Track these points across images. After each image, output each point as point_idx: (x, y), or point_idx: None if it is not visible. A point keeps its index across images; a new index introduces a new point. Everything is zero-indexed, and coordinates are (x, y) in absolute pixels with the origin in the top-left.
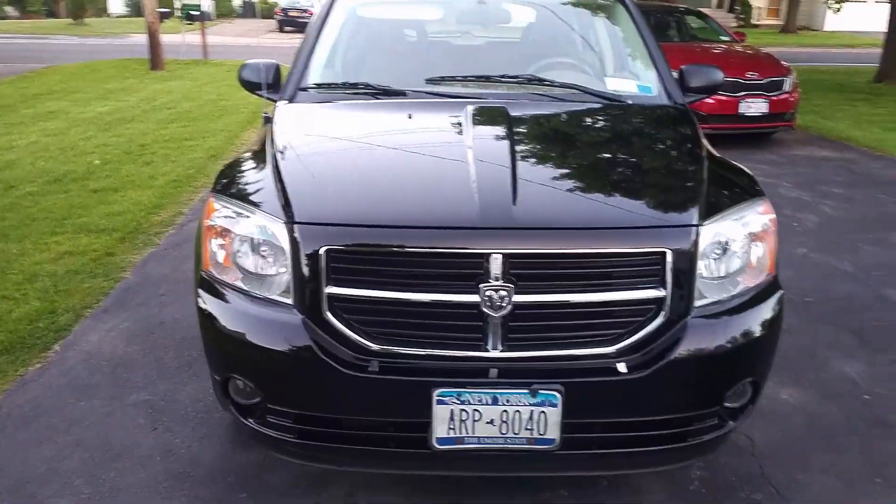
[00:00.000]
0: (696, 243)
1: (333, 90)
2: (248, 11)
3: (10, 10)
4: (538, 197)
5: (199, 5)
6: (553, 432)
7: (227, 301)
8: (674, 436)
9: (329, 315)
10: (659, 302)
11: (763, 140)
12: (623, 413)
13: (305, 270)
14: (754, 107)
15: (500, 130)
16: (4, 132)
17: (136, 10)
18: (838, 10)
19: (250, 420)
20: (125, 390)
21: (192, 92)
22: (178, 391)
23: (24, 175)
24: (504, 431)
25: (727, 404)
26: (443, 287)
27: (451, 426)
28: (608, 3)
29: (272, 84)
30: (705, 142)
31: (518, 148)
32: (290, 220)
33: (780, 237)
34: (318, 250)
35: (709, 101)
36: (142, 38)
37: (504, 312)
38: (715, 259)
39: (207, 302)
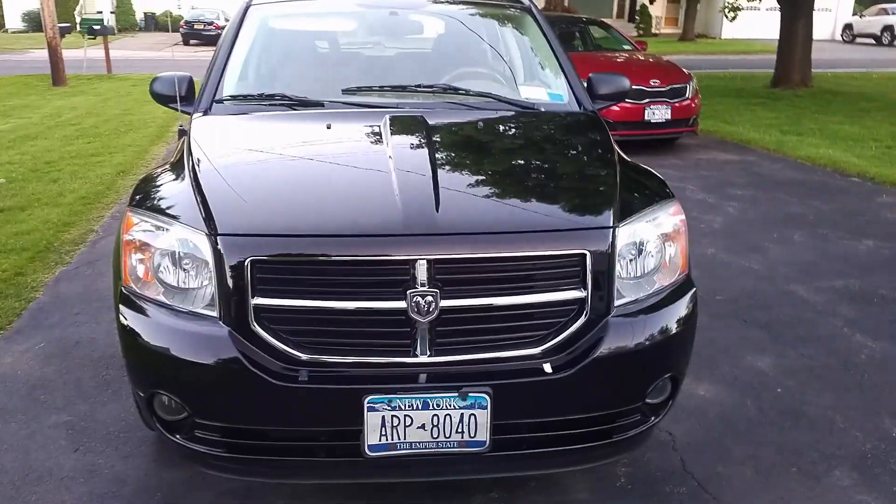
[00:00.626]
0: (612, 245)
1: (249, 102)
2: (150, 25)
3: None
4: (460, 203)
5: (101, 20)
6: (483, 434)
7: (149, 316)
8: (600, 433)
9: (256, 326)
10: (580, 302)
11: (668, 145)
12: (550, 412)
13: (230, 282)
14: (658, 113)
15: (418, 139)
16: None
17: (34, 25)
18: (733, 18)
19: (177, 436)
20: (44, 412)
21: (96, 107)
22: (99, 411)
23: None
24: (435, 435)
25: (649, 400)
26: (370, 294)
27: (383, 432)
28: (516, 13)
29: (185, 96)
30: (616, 147)
31: (437, 156)
32: (212, 232)
33: (690, 238)
34: (243, 261)
35: (615, 108)
36: (42, 54)
37: (431, 317)
38: (631, 259)
39: (128, 318)
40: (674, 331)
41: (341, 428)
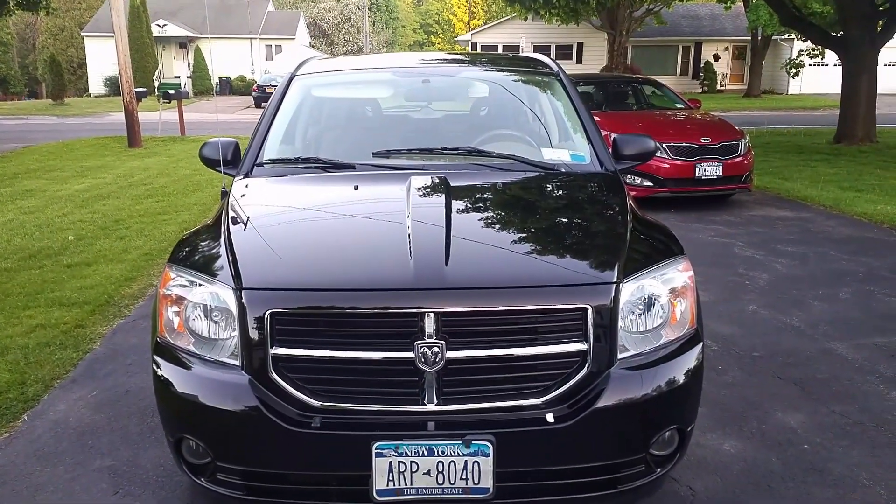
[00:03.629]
0: (615, 299)
1: (287, 165)
2: (225, 89)
3: None
4: (469, 258)
5: (178, 84)
6: (486, 481)
7: (179, 365)
8: (605, 482)
9: (274, 374)
10: (583, 355)
11: (721, 202)
12: (553, 461)
13: (252, 333)
14: (710, 170)
15: (438, 198)
16: None
17: (114, 89)
18: (795, 74)
19: (202, 479)
20: (90, 456)
21: (167, 168)
22: (141, 456)
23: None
24: (441, 481)
25: (654, 451)
26: (380, 345)
27: (391, 478)
28: (545, 79)
29: (231, 160)
30: (631, 204)
31: (454, 214)
32: (238, 287)
33: (732, 295)
34: (263, 314)
35: (665, 165)
36: (120, 117)
37: (438, 367)
38: (636, 314)
39: (161, 367)
40: (678, 384)
41: (351, 473)
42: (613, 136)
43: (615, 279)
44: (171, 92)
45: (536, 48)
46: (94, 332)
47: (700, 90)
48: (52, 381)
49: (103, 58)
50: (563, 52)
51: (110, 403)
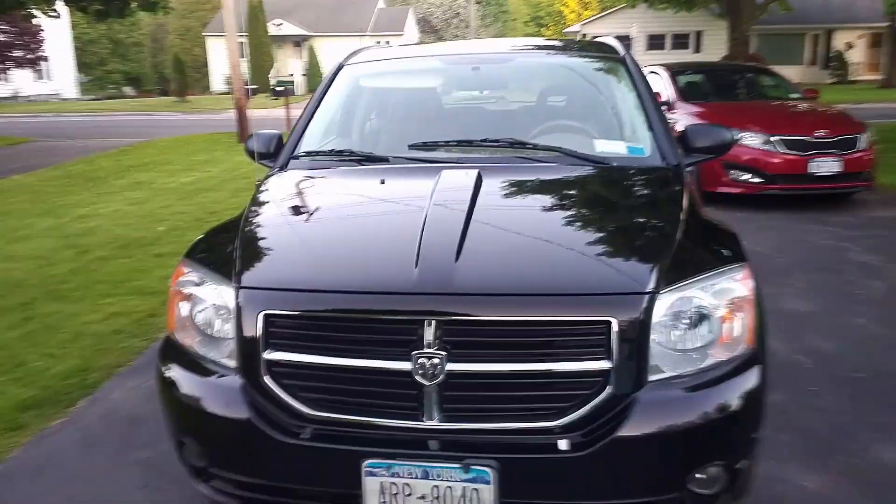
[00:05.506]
0: (648, 312)
1: (321, 158)
2: None
3: (128, 89)
4: (481, 262)
5: (291, 82)
6: None
7: (181, 364)
8: None
9: (267, 380)
10: (604, 374)
11: (840, 201)
12: (566, 495)
13: (247, 334)
14: (825, 166)
15: (464, 195)
16: (93, 201)
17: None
18: None
19: (202, 483)
20: (131, 448)
21: None
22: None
23: (99, 241)
24: None
25: (698, 490)
26: (377, 353)
27: (383, 500)
28: (609, 65)
29: (274, 153)
30: (688, 204)
31: (477, 212)
32: (237, 286)
33: (838, 306)
34: (256, 315)
35: (774, 160)
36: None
37: (437, 381)
38: (675, 330)
39: (165, 365)
40: (725, 413)
41: (340, 490)
42: (685, 126)
43: (649, 289)
44: (280, 89)
45: (651, 37)
46: (165, 321)
47: (831, 81)
48: (114, 368)
49: (223, 57)
50: (680, 41)
51: None
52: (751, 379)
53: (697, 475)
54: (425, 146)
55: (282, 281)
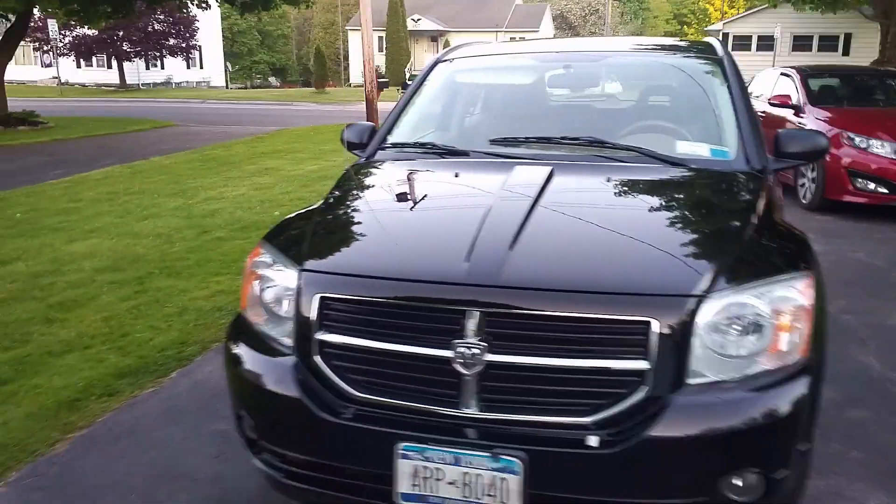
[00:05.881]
0: (691, 315)
1: (406, 149)
2: None
3: (272, 79)
4: (532, 257)
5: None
6: (515, 501)
7: (246, 340)
8: None
9: (317, 359)
10: (641, 375)
11: None
12: (595, 492)
13: (303, 315)
14: None
15: (530, 191)
16: (223, 184)
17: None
18: None
19: (255, 456)
20: (210, 419)
21: None
22: None
23: (220, 222)
24: (466, 494)
25: (730, 495)
26: (420, 340)
27: (415, 483)
28: (706, 66)
29: (364, 144)
30: (764, 209)
31: (540, 209)
32: (299, 268)
33: None
34: (313, 296)
35: None
36: None
37: (476, 370)
38: (723, 334)
39: (232, 340)
40: (762, 421)
41: (376, 470)
42: (778, 131)
43: (696, 292)
44: (410, 83)
45: (796, 38)
46: None
47: None
48: (210, 343)
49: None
50: (828, 43)
51: None
52: (797, 389)
53: (733, 481)
54: (505, 142)
55: (339, 266)
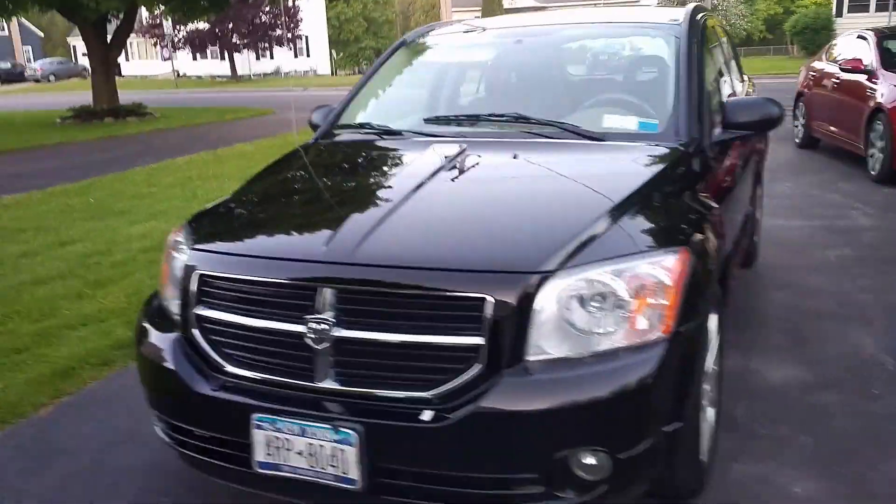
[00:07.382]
0: (531, 292)
1: (347, 131)
2: None
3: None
4: (390, 236)
5: None
6: (353, 472)
7: (149, 316)
8: (494, 498)
9: (196, 332)
10: (476, 350)
11: None
12: (431, 464)
13: (188, 291)
14: None
15: (427, 170)
16: None
17: None
18: None
19: (154, 425)
20: None
21: None
22: None
23: None
24: (312, 465)
25: (580, 473)
26: (279, 316)
27: (269, 452)
28: (658, 37)
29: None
30: (672, 182)
31: (428, 187)
32: (191, 248)
33: None
34: (193, 273)
35: None
36: None
37: (325, 345)
38: (569, 311)
39: (142, 314)
40: (602, 399)
41: (238, 439)
42: (725, 100)
43: (537, 268)
44: None
45: None
46: None
47: None
48: None
49: None
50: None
51: None
52: (647, 367)
53: (582, 459)
54: (437, 121)
55: (221, 245)
